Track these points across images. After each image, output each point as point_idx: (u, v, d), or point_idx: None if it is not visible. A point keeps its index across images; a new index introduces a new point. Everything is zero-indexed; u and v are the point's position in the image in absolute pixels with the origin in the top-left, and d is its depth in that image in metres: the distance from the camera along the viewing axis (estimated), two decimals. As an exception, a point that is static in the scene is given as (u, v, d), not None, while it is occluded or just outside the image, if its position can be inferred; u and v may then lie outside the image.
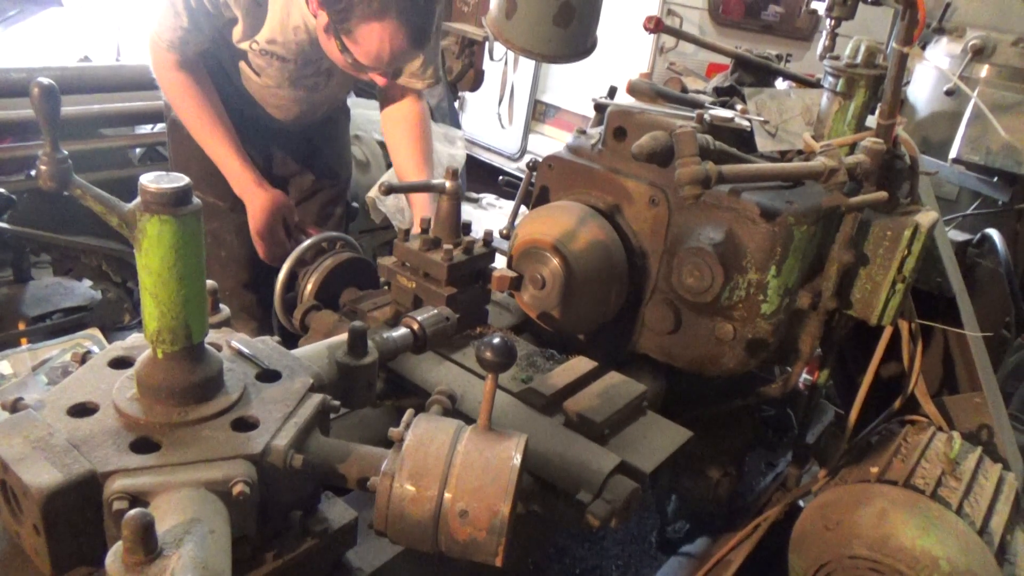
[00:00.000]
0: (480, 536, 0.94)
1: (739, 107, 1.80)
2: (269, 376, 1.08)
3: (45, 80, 0.87)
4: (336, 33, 1.91)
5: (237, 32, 2.09)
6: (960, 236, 3.01)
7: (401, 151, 2.41)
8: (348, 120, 2.79)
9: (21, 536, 0.91)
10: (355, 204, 2.93)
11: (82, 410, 0.97)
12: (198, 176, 2.32)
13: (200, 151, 2.24)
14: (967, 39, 3.35)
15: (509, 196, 4.85)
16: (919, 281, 2.01)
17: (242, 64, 2.23)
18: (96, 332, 2.57)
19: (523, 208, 1.88)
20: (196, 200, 0.92)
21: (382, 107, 2.47)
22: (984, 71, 3.35)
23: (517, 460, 0.95)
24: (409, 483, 0.94)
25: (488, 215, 4.73)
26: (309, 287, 1.69)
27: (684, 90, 2.03)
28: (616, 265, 1.61)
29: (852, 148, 1.69)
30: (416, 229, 1.62)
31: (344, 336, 1.21)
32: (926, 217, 1.66)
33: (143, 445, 0.92)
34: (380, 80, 2.06)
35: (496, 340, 0.97)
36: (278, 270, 1.81)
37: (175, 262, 0.91)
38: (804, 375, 1.83)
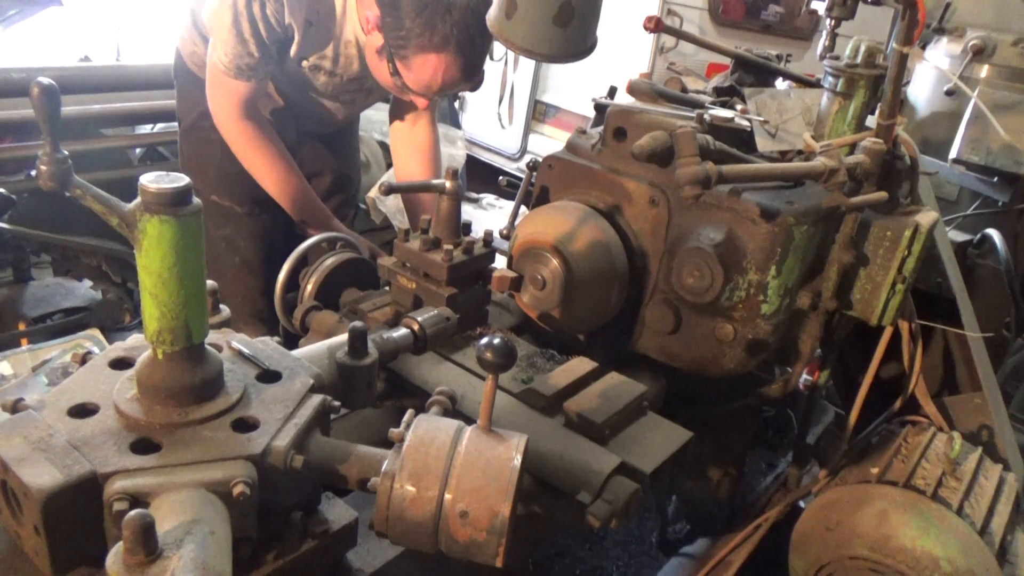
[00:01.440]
0: (480, 537, 0.94)
1: (739, 107, 1.80)
2: (269, 377, 1.08)
3: (45, 80, 0.87)
4: (390, 57, 1.90)
5: (292, 49, 2.08)
6: (960, 236, 3.00)
7: (413, 177, 2.41)
8: (358, 124, 2.80)
9: (21, 537, 0.90)
10: (362, 205, 2.95)
11: (82, 411, 0.97)
12: (215, 180, 2.32)
13: (218, 156, 2.23)
14: (967, 39, 3.34)
15: (509, 196, 4.84)
16: (919, 281, 2.00)
17: (286, 74, 2.22)
18: (96, 333, 2.57)
19: (523, 208, 1.88)
20: (196, 200, 0.91)
21: (393, 114, 2.47)
22: (984, 71, 3.34)
23: (517, 461, 0.95)
24: (409, 484, 0.94)
25: (488, 215, 4.73)
26: (309, 287, 1.69)
27: (684, 90, 2.03)
28: (616, 265, 1.61)
29: (852, 148, 1.69)
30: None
31: (344, 336, 1.20)
32: (926, 217, 1.66)
33: (143, 446, 0.92)
34: (421, 103, 2.06)
35: (496, 341, 0.97)
36: None
37: (175, 262, 0.91)
38: (804, 375, 1.83)
